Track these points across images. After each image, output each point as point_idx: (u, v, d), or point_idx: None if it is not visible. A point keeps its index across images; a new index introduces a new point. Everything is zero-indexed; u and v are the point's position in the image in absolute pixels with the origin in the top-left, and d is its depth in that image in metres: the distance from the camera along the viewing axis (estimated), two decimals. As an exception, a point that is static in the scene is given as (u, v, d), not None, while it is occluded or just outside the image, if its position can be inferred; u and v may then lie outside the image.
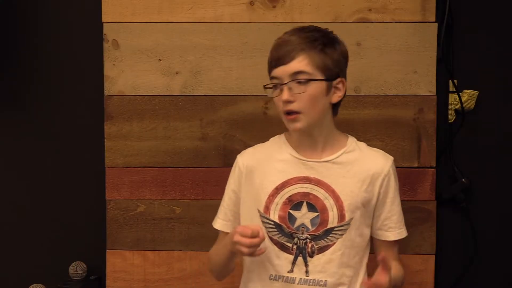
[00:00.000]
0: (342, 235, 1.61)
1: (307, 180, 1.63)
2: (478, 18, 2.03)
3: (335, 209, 1.61)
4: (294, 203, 1.62)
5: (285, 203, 1.63)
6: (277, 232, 1.63)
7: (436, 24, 1.99)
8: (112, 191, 2.07)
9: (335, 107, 1.65)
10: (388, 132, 2.01)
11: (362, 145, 1.69)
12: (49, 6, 2.11)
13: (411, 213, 1.97)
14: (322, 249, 1.61)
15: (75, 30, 2.10)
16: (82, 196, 2.13)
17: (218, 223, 1.76)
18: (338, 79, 1.61)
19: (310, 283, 1.60)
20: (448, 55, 2.03)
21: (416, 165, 2.01)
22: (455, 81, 2.03)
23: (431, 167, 2.01)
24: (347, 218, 1.61)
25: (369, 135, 1.99)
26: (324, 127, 1.63)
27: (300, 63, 1.55)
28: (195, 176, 2.06)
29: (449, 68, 2.02)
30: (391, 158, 1.68)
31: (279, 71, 1.57)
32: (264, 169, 1.67)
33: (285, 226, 1.62)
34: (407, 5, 1.99)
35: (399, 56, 2.00)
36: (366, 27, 2.00)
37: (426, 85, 2.00)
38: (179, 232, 2.07)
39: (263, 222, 1.64)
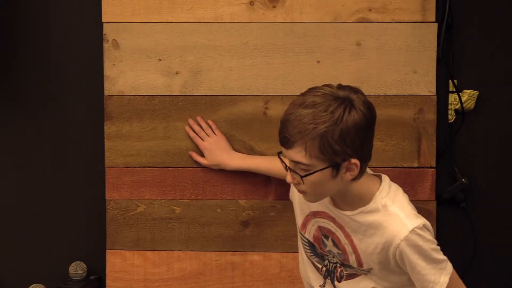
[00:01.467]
0: (366, 274, 1.61)
1: (333, 220, 1.62)
2: (478, 18, 2.03)
3: (353, 256, 1.61)
4: (324, 233, 1.65)
5: (317, 230, 1.66)
6: (310, 252, 1.67)
7: (436, 24, 1.99)
8: (112, 191, 2.07)
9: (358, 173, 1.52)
10: (388, 132, 2.01)
11: (388, 203, 1.55)
12: (49, 6, 2.11)
13: (411, 213, 1.97)
14: (350, 276, 1.62)
15: (75, 30, 2.10)
16: (82, 196, 2.13)
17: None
18: (347, 162, 1.47)
19: None
20: (448, 55, 2.03)
21: (416, 165, 2.01)
22: (455, 81, 2.03)
23: (431, 167, 2.01)
24: (365, 267, 1.60)
25: (369, 135, 1.99)
26: (345, 191, 1.55)
27: (297, 154, 1.46)
28: (195, 176, 2.06)
29: (449, 68, 2.02)
30: (409, 227, 1.50)
31: (284, 151, 1.50)
32: None
33: (317, 247, 1.65)
34: (407, 5, 1.99)
35: (399, 56, 2.00)
36: (366, 27, 2.00)
37: (426, 85, 2.00)
38: (179, 232, 2.06)
39: (300, 237, 1.70)
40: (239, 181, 1.99)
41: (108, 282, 2.08)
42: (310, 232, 1.66)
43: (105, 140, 2.06)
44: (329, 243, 1.64)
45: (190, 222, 2.06)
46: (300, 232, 1.70)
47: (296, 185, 1.53)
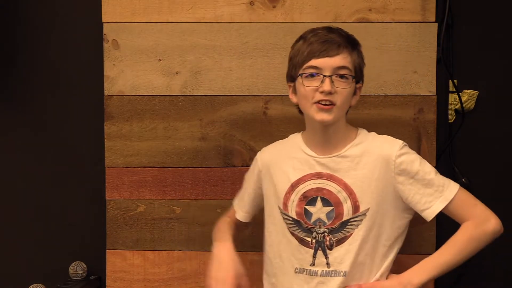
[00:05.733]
0: (358, 225, 1.64)
1: (319, 176, 1.67)
2: (478, 18, 2.03)
3: (348, 202, 1.64)
4: (309, 199, 1.67)
5: (300, 200, 1.68)
6: (297, 228, 1.68)
7: (436, 24, 1.99)
8: (112, 191, 2.07)
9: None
10: (388, 132, 1.99)
11: (371, 135, 1.72)
12: (49, 6, 2.11)
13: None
14: (340, 241, 1.65)
15: (75, 30, 2.10)
16: (82, 196, 2.13)
17: (240, 215, 1.86)
18: (360, 83, 1.70)
19: (332, 274, 1.65)
20: (448, 55, 2.03)
21: (416, 165, 2.01)
22: (455, 81, 2.03)
23: (431, 167, 2.01)
24: (361, 209, 1.64)
25: (369, 135, 1.99)
26: (339, 125, 1.67)
27: (344, 59, 1.61)
28: (195, 176, 2.06)
29: (449, 68, 2.02)
30: (399, 142, 1.67)
31: (323, 62, 1.60)
32: (281, 167, 1.73)
33: (302, 222, 1.67)
34: (407, 5, 1.99)
35: (399, 56, 2.00)
36: (366, 27, 2.00)
37: (426, 85, 2.00)
38: (179, 232, 2.07)
39: (283, 218, 1.71)
40: (239, 181, 1.99)
41: (108, 282, 2.08)
42: (292, 209, 1.68)
43: (105, 140, 2.06)
44: (316, 207, 1.66)
45: (190, 222, 2.06)
46: (282, 213, 1.70)
47: (329, 94, 1.59)
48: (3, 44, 2.11)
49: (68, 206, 2.14)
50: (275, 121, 2.03)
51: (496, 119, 2.06)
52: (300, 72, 1.64)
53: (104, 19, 2.04)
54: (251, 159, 1.96)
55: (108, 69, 2.05)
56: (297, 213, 1.68)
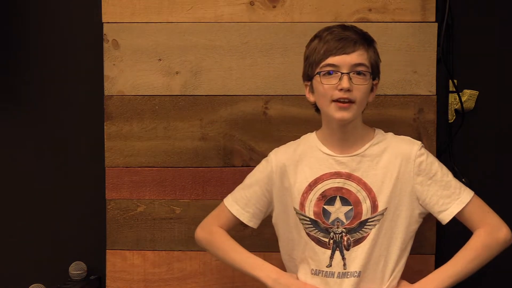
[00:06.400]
0: (375, 225, 1.64)
1: (338, 175, 1.67)
2: (478, 18, 2.03)
3: (368, 201, 1.64)
4: (328, 198, 1.66)
5: (318, 199, 1.67)
6: (314, 228, 1.67)
7: (436, 24, 1.99)
8: (112, 191, 2.07)
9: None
10: (388, 132, 2.00)
11: (389, 135, 1.72)
12: (49, 6, 2.11)
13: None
14: (357, 241, 1.65)
15: (75, 30, 2.10)
16: (82, 196, 2.13)
17: (235, 209, 1.78)
18: (377, 80, 1.69)
19: (348, 276, 1.64)
20: (448, 55, 2.03)
21: (416, 165, 2.01)
22: (455, 81, 2.03)
23: (431, 167, 2.01)
24: (380, 208, 1.64)
25: (369, 135, 1.99)
26: (356, 123, 1.67)
27: (361, 56, 1.61)
28: (195, 176, 2.06)
29: (449, 68, 2.02)
30: (418, 142, 1.68)
31: (340, 59, 1.60)
32: (296, 167, 1.71)
33: (320, 222, 1.66)
34: (407, 5, 1.99)
35: (399, 56, 2.00)
36: (366, 27, 1.98)
37: (426, 85, 2.00)
38: (179, 232, 2.07)
39: (299, 219, 1.69)
40: (239, 181, 1.99)
41: (108, 282, 2.08)
42: (309, 209, 1.67)
43: (105, 140, 2.06)
44: (335, 207, 1.65)
45: (190, 222, 2.06)
46: (298, 214, 1.69)
47: (348, 92, 1.58)
48: (3, 44, 2.11)
49: (68, 206, 2.14)
50: (275, 121, 2.03)
51: (496, 119, 2.06)
52: (318, 70, 1.62)
53: (104, 19, 2.04)
54: (251, 159, 1.96)
55: (108, 69, 2.05)
56: (315, 213, 1.67)
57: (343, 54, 1.59)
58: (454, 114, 2.06)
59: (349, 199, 1.65)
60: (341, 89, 1.59)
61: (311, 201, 1.67)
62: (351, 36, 1.61)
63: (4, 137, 2.15)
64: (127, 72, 2.05)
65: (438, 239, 2.03)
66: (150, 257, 2.07)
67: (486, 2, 2.03)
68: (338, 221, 1.66)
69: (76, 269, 2.07)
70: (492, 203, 2.07)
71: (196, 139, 2.05)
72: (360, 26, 1.98)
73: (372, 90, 1.67)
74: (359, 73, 1.60)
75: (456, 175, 2.03)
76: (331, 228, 1.66)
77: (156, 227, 2.07)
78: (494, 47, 2.04)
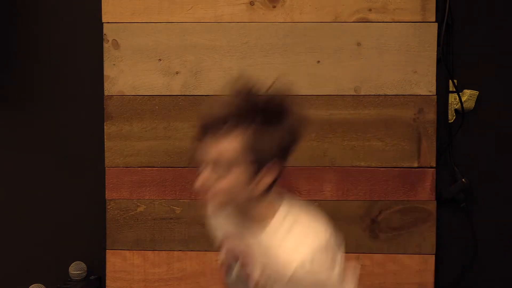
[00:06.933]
0: None
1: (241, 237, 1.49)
2: (478, 18, 2.03)
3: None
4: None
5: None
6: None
7: (436, 24, 1.99)
8: (112, 191, 2.07)
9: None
10: (388, 132, 2.01)
11: (286, 225, 1.37)
12: (49, 6, 2.11)
13: (411, 213, 1.97)
14: None
15: (75, 30, 2.10)
16: (82, 196, 2.13)
17: None
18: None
19: None
20: (448, 55, 2.03)
21: (416, 165, 2.01)
22: (455, 81, 2.03)
23: (431, 167, 2.01)
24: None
25: (369, 135, 1.99)
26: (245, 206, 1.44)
27: (229, 144, 1.40)
28: (195, 176, 2.05)
29: (449, 68, 2.02)
30: (298, 259, 1.28)
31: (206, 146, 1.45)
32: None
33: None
34: (407, 5, 1.99)
35: (399, 56, 2.00)
36: (366, 27, 2.00)
37: (426, 85, 2.00)
38: (179, 232, 2.07)
39: None
40: (239, 181, 1.99)
41: (108, 282, 2.08)
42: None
43: (105, 140, 2.06)
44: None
45: (190, 222, 2.06)
46: None
47: (211, 184, 1.40)
48: (3, 44, 2.11)
49: (68, 206, 2.14)
50: (275, 121, 2.03)
51: (496, 119, 2.05)
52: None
53: (104, 19, 2.04)
54: (251, 159, 1.95)
55: (108, 69, 2.05)
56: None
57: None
58: (454, 114, 2.05)
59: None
60: None
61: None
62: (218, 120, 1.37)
63: (4, 137, 2.15)
64: (127, 72, 2.05)
65: (438, 239, 2.03)
66: (150, 257, 2.07)
67: (486, 2, 2.03)
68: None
69: (76, 269, 2.07)
70: (492, 203, 2.08)
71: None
72: (360, 26, 1.99)
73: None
74: None
75: (456, 175, 2.04)
76: None
77: (156, 227, 2.07)
78: (494, 47, 2.04)
